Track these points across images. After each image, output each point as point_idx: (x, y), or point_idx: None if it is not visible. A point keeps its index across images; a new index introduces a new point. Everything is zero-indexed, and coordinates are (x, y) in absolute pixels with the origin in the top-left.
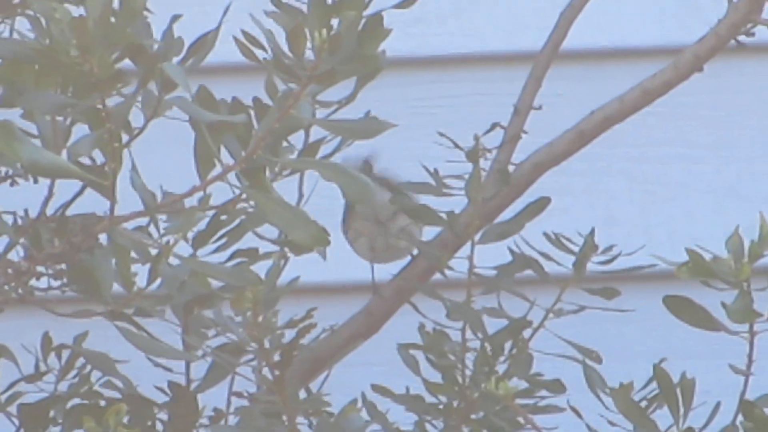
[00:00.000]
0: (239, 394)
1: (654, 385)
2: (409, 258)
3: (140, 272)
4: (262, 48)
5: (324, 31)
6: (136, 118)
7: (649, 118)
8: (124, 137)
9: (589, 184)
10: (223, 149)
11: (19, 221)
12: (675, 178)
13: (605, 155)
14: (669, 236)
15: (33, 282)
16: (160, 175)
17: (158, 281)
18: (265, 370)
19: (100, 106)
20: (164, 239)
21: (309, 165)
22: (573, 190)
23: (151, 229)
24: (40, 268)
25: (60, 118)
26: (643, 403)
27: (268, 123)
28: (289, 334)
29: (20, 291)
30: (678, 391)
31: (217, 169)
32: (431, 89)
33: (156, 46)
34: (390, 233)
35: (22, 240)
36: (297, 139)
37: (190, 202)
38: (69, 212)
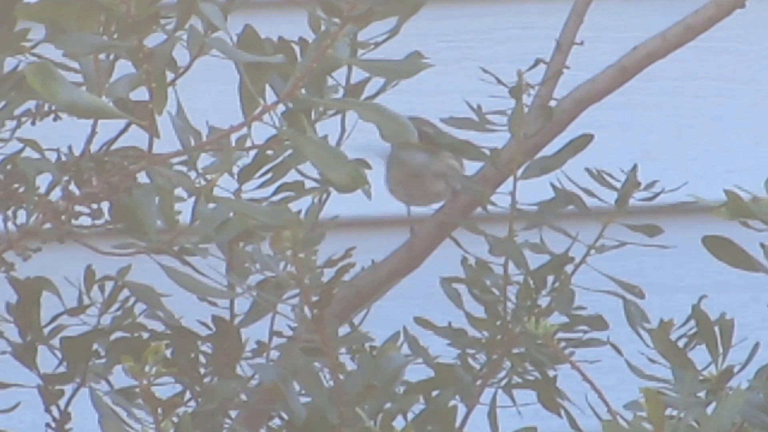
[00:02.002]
0: (279, 333)
1: (693, 322)
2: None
3: (184, 210)
4: None
5: None
6: (182, 55)
7: (685, 52)
8: (170, 75)
9: (625, 117)
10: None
11: (63, 158)
12: (711, 113)
13: (641, 89)
14: (705, 170)
15: (79, 221)
16: (210, 111)
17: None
18: (305, 309)
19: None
20: (205, 177)
21: (348, 105)
22: (609, 123)
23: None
24: (79, 208)
25: (103, 56)
26: (682, 341)
27: (305, 63)
28: (329, 273)
29: (58, 231)
30: (716, 330)
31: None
32: (467, 24)
33: None
34: (425, 182)
35: (65, 178)
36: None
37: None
38: (115, 147)
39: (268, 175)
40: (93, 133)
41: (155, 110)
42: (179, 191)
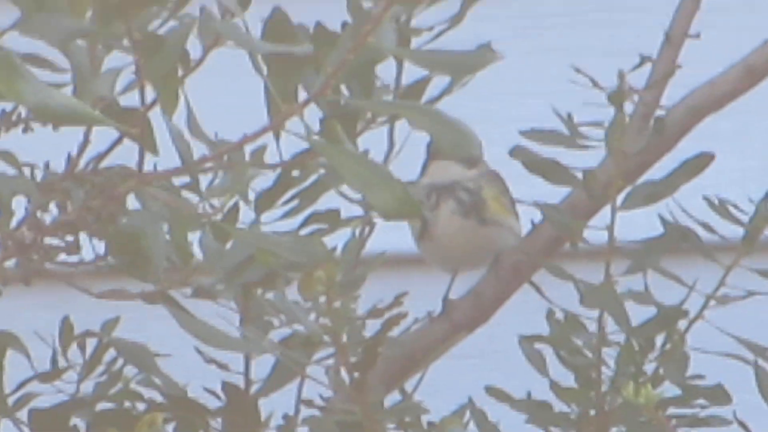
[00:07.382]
0: (309, 402)
1: None
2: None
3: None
4: None
5: None
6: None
7: None
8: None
9: (743, 125)
10: None
11: (38, 176)
12: None
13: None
14: None
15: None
16: (226, 118)
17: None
18: (342, 371)
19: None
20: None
21: (395, 108)
22: (720, 132)
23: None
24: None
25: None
26: None
27: (339, 54)
28: (373, 325)
29: (24, 270)
30: None
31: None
32: (539, 5)
33: None
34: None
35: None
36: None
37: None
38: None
39: (294, 202)
40: (85, 144)
41: (165, 112)
42: None
